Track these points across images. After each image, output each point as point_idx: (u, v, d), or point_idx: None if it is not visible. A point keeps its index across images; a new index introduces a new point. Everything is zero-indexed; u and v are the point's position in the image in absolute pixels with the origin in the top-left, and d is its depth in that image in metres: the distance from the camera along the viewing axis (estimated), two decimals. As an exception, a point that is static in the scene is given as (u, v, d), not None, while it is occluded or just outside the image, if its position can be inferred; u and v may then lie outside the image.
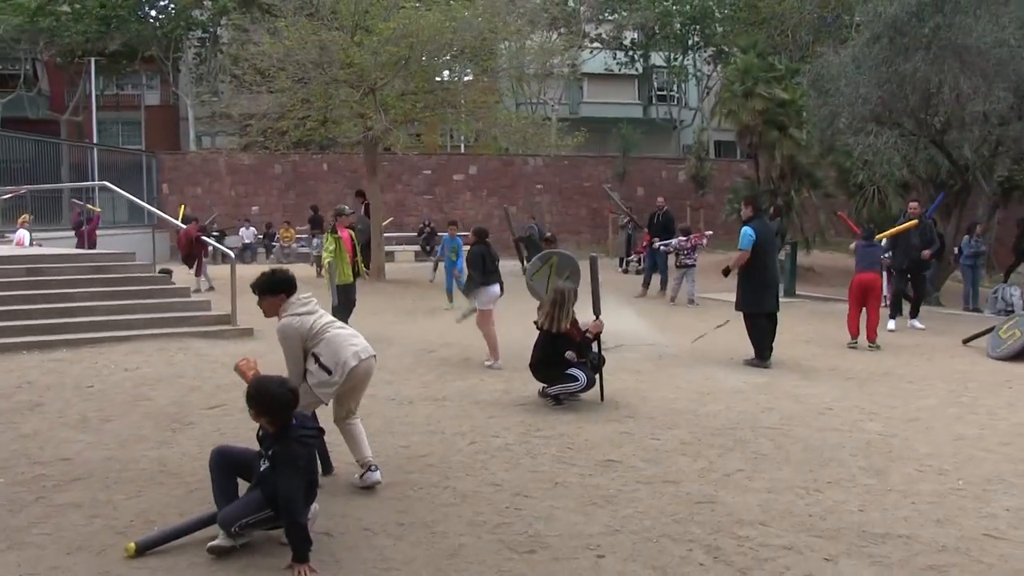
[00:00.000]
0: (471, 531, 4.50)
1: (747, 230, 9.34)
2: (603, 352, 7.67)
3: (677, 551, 4.28)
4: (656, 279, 17.15)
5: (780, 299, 9.74)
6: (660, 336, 11.23)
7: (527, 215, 27.40)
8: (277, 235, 27.44)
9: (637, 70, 42.04)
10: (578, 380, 7.25)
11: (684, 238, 15.87)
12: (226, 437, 6.01)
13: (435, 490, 5.14)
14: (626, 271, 21.77)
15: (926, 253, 13.12)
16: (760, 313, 9.49)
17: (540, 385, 7.53)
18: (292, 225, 27.34)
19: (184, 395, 7.68)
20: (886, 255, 12.87)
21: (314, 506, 4.30)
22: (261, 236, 27.73)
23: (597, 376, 7.45)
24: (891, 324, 12.80)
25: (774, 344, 9.70)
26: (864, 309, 11.41)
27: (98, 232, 18.84)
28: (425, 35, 16.66)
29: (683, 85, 43.03)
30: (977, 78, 13.96)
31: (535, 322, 7.66)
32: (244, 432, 6.36)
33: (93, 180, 26.14)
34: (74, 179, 25.15)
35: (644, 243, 18.25)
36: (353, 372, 5.01)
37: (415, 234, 28.86)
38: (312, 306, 5.03)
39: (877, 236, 12.77)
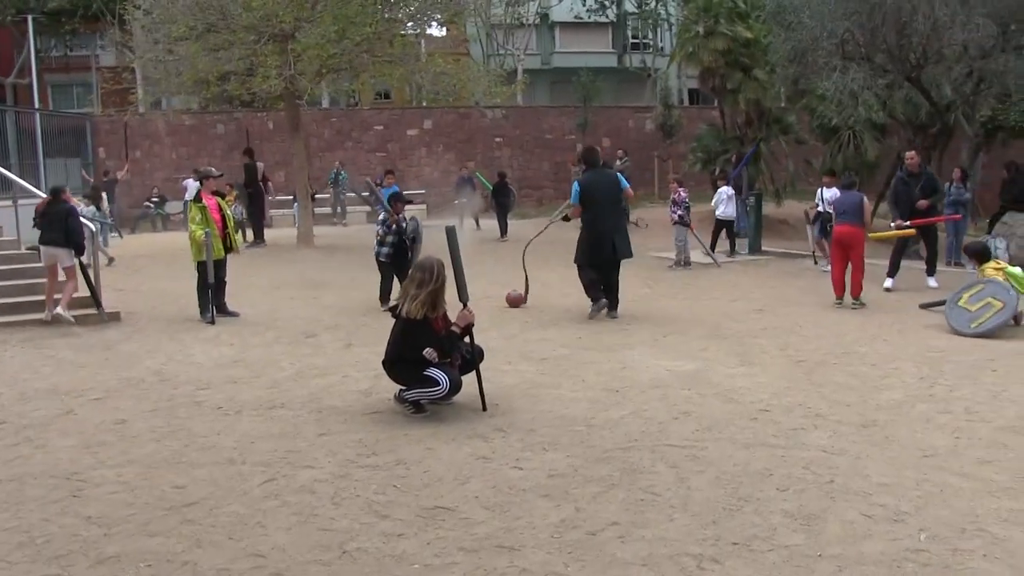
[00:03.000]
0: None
1: (575, 184, 9.63)
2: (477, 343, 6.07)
3: None
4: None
5: (622, 248, 9.42)
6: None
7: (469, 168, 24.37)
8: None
9: (608, 17, 40.02)
10: (439, 384, 5.62)
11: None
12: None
13: (167, 568, 3.52)
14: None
15: (922, 203, 11.32)
16: (590, 264, 9.45)
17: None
18: (233, 188, 25.38)
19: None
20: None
21: None
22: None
23: (475, 375, 5.86)
24: (887, 283, 11.38)
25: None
26: (848, 265, 10.19)
27: None
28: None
29: (657, 32, 41.10)
30: (954, 4, 12.22)
31: (390, 308, 6.06)
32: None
33: (38, 146, 24.26)
34: (23, 145, 23.23)
35: None
36: None
37: (366, 193, 27.03)
38: None
39: (873, 236, 11.35)
